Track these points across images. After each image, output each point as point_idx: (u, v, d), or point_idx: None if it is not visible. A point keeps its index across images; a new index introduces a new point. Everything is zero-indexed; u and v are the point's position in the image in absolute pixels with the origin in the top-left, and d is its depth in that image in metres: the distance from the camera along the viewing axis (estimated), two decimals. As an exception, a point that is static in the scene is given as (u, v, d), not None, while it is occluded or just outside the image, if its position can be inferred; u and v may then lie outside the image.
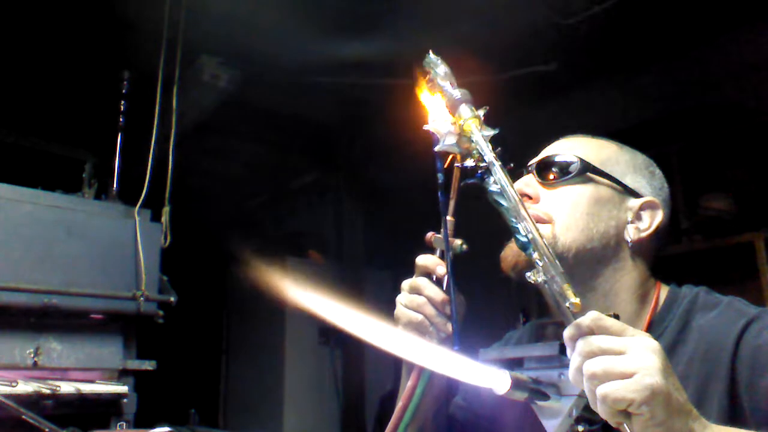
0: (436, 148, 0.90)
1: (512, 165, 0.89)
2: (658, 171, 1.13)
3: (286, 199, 4.74)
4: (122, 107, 2.59)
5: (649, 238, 1.07)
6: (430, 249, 1.04)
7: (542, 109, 3.58)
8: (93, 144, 2.96)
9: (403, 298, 1.03)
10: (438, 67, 0.92)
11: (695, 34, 3.01)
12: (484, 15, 2.91)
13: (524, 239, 0.81)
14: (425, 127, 0.90)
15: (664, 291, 1.08)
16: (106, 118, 2.62)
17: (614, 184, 1.07)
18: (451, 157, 0.93)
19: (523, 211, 0.82)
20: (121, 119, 2.58)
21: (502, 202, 0.84)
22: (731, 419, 0.89)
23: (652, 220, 1.07)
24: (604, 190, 1.07)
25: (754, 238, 2.87)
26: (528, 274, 0.81)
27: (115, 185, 2.50)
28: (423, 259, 1.03)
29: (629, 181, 1.08)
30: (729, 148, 3.13)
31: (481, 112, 0.88)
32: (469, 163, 0.87)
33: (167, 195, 2.54)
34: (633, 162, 1.11)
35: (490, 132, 0.87)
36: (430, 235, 1.02)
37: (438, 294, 1.00)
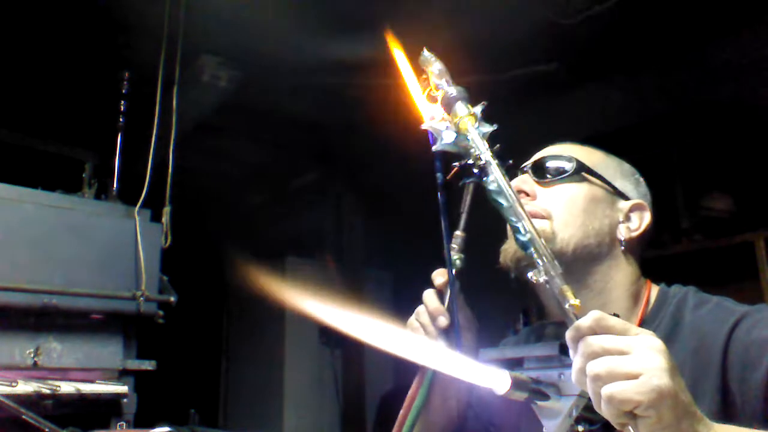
0: (434, 148, 0.89)
1: (511, 161, 0.90)
2: (642, 179, 1.18)
3: (286, 199, 4.73)
4: (122, 107, 2.59)
5: (639, 238, 1.11)
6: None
7: (542, 109, 3.57)
8: (93, 144, 2.96)
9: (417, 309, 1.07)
10: (433, 64, 0.91)
11: (695, 34, 3.00)
12: (484, 15, 2.91)
13: (524, 238, 0.81)
14: (423, 127, 0.90)
15: (654, 290, 1.11)
16: (106, 118, 2.62)
17: (606, 186, 1.11)
18: (456, 168, 0.92)
19: (519, 209, 0.82)
20: (121, 119, 2.58)
21: (501, 200, 0.84)
22: (723, 415, 0.90)
23: (641, 222, 1.11)
24: (597, 190, 1.11)
25: (754, 238, 2.88)
26: (530, 273, 0.81)
27: (115, 185, 2.50)
28: (434, 273, 1.06)
29: (618, 184, 1.13)
30: (729, 148, 3.12)
31: (478, 109, 0.88)
32: (469, 161, 0.87)
33: (167, 195, 2.54)
34: (620, 168, 1.16)
35: (488, 129, 0.86)
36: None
37: (433, 303, 1.03)
